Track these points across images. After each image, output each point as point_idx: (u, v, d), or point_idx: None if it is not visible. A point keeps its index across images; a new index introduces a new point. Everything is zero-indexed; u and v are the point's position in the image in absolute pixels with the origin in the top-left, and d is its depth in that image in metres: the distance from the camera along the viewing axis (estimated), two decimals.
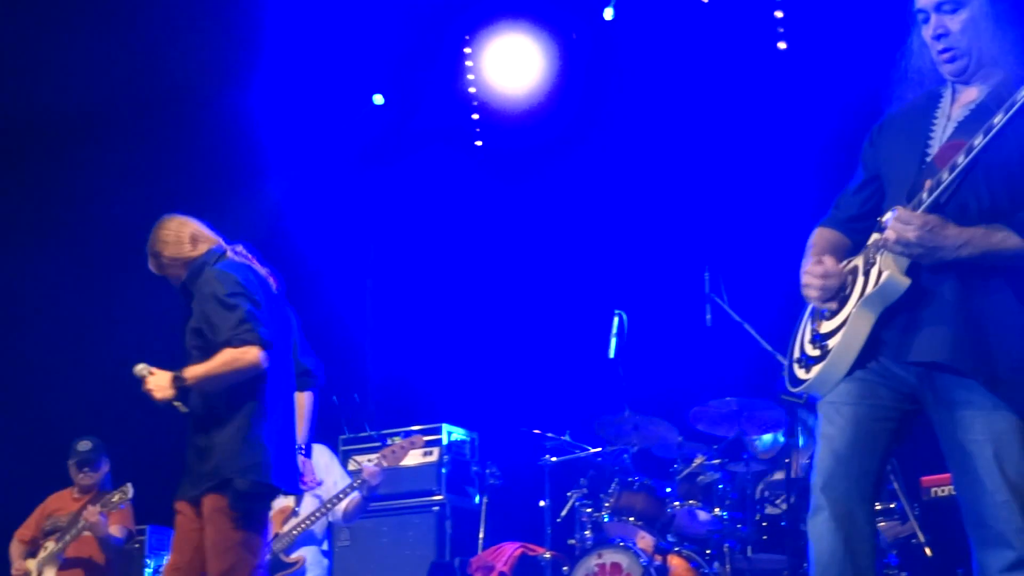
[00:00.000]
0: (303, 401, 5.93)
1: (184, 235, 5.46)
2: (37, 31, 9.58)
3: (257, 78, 9.96)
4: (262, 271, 5.53)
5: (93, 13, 9.58)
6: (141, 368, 5.27)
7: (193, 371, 5.19)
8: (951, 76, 3.76)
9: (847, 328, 3.69)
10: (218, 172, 10.27)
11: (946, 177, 3.54)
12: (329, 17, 9.88)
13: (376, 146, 10.54)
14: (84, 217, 10.30)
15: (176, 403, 5.21)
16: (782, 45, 9.19)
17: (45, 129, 10.06)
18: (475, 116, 10.74)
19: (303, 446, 5.87)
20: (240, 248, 5.57)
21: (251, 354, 5.11)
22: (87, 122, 10.09)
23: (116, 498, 7.96)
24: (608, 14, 9.75)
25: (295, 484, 5.52)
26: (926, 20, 3.74)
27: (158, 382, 5.21)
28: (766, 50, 9.23)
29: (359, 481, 7.50)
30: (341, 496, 7.52)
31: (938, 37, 3.72)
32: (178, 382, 5.17)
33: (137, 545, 9.01)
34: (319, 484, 5.88)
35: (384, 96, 10.44)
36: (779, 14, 9.21)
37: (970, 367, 3.53)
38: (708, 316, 7.80)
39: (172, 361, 5.31)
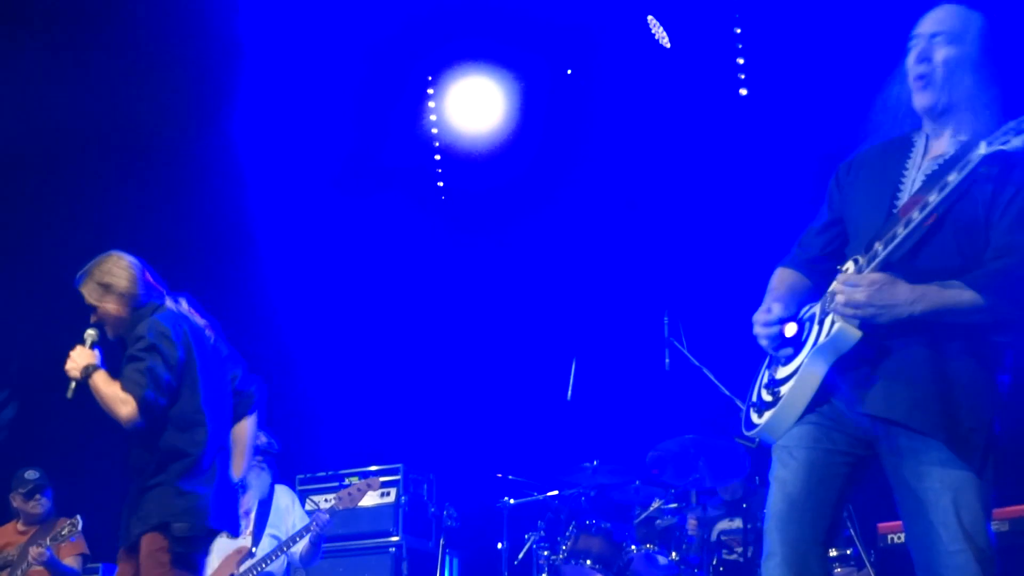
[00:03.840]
0: (244, 428, 5.75)
1: (138, 277, 5.39)
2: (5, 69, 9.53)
3: (225, 117, 9.96)
4: (200, 322, 5.48)
5: (63, 51, 9.56)
6: (92, 334, 5.29)
7: (99, 381, 5.18)
8: (921, 106, 3.75)
9: (798, 376, 3.68)
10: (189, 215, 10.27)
11: (901, 232, 3.52)
12: (294, 56, 9.88)
13: (339, 186, 10.51)
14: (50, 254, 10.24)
15: (71, 386, 5.20)
16: (743, 91, 9.25)
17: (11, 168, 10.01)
18: (437, 157, 10.77)
19: (240, 480, 5.73)
20: (183, 301, 5.51)
21: (126, 408, 5.08)
22: (62, 159, 10.08)
23: (65, 531, 7.74)
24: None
25: (235, 524, 5.47)
26: (917, 45, 3.76)
27: (78, 357, 5.24)
28: (728, 95, 9.29)
29: (314, 524, 7.48)
30: (297, 538, 7.48)
31: (919, 60, 3.72)
32: (86, 372, 5.19)
33: None
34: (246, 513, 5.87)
35: (340, 138, 10.42)
36: (740, 60, 9.28)
37: (929, 426, 3.50)
38: (667, 360, 7.80)
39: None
